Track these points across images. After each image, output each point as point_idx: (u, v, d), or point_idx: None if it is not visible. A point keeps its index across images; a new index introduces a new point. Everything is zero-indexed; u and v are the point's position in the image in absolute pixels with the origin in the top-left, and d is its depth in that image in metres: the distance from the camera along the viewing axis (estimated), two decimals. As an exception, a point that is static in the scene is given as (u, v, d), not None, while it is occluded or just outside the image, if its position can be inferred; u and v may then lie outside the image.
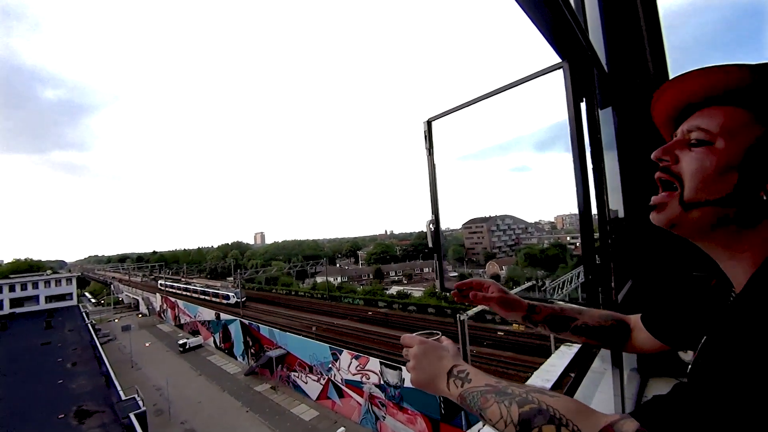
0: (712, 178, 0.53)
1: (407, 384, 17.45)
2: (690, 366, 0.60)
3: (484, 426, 1.13)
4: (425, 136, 1.67)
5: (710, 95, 0.56)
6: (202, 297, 46.24)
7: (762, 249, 0.51)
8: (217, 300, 43.16)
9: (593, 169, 1.29)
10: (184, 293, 50.16)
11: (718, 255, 0.57)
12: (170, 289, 54.44)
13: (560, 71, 1.34)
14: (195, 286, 51.75)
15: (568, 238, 55.94)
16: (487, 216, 66.10)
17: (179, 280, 63.47)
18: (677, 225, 0.57)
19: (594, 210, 1.29)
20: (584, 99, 1.27)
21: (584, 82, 1.27)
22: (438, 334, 0.75)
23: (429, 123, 1.66)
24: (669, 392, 0.43)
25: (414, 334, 0.76)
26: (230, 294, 42.77)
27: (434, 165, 1.69)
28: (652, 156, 0.62)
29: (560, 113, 1.34)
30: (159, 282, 60.91)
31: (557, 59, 1.36)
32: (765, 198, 0.50)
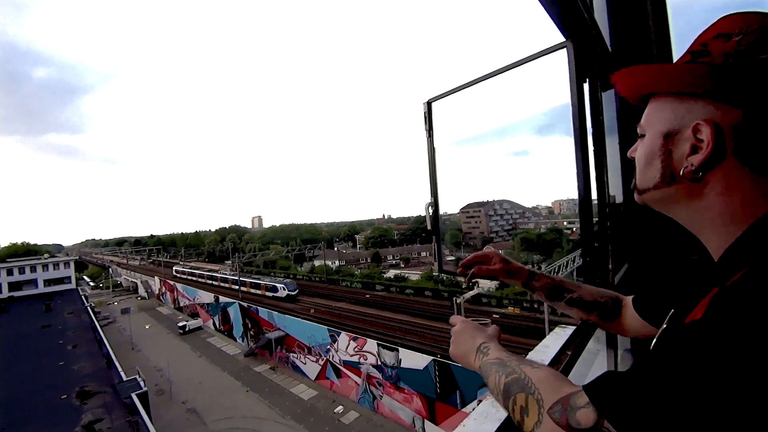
0: (644, 167, 0.58)
1: (404, 365, 17.84)
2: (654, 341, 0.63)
3: (479, 405, 1.16)
4: (425, 118, 1.64)
5: (651, 90, 0.58)
6: (233, 288, 38.54)
7: (717, 217, 0.52)
8: (258, 292, 34.88)
9: (594, 152, 1.28)
10: (208, 283, 42.99)
11: (691, 230, 0.58)
12: (189, 278, 47.18)
13: (563, 51, 1.30)
14: (223, 274, 43.37)
15: (565, 223, 56.20)
16: (485, 201, 66.15)
17: (199, 267, 54.87)
18: (646, 203, 0.62)
19: (594, 194, 1.28)
20: (587, 80, 1.25)
21: (588, 63, 1.25)
22: (488, 321, 0.82)
23: (429, 104, 1.63)
24: (624, 371, 0.42)
25: (463, 317, 0.84)
26: (278, 285, 33.79)
27: (434, 147, 1.67)
28: (628, 154, 0.67)
29: (561, 96, 1.32)
30: (174, 269, 52.54)
31: (560, 38, 1.32)
32: (690, 170, 0.51)
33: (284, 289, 33.22)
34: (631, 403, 0.38)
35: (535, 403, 0.50)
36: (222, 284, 40.56)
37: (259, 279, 38.18)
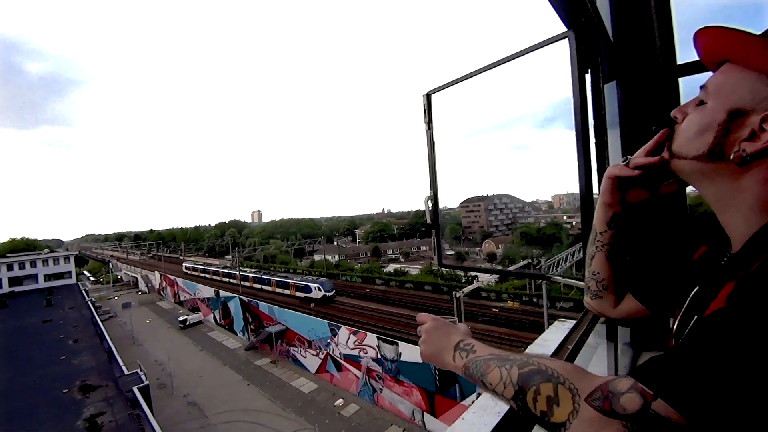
0: (692, 137, 0.57)
1: (404, 358, 17.95)
2: (677, 319, 0.65)
3: (478, 398, 1.16)
4: (424, 110, 1.62)
5: (735, 58, 0.55)
6: (255, 286, 35.27)
7: (750, 203, 0.52)
8: (286, 293, 31.47)
9: (596, 145, 1.27)
10: (224, 281, 39.32)
11: (713, 207, 0.59)
12: (202, 275, 43.69)
13: (565, 42, 1.28)
14: (243, 271, 38.87)
15: (565, 218, 56.32)
16: (485, 195, 66.15)
17: (211, 263, 50.46)
18: (672, 167, 0.62)
19: (595, 188, 1.27)
20: (589, 71, 1.23)
21: (590, 53, 1.23)
22: (455, 320, 0.80)
23: (428, 96, 1.61)
24: (664, 354, 0.44)
25: (429, 313, 0.81)
26: (312, 285, 29.67)
27: (433, 140, 1.65)
28: (671, 113, 0.63)
29: (562, 88, 1.30)
30: (185, 265, 48.79)
31: (562, 29, 1.30)
32: (741, 155, 0.51)
33: (319, 290, 28.84)
34: (685, 383, 0.39)
35: (567, 392, 0.48)
36: (242, 283, 36.33)
37: (287, 277, 34.24)
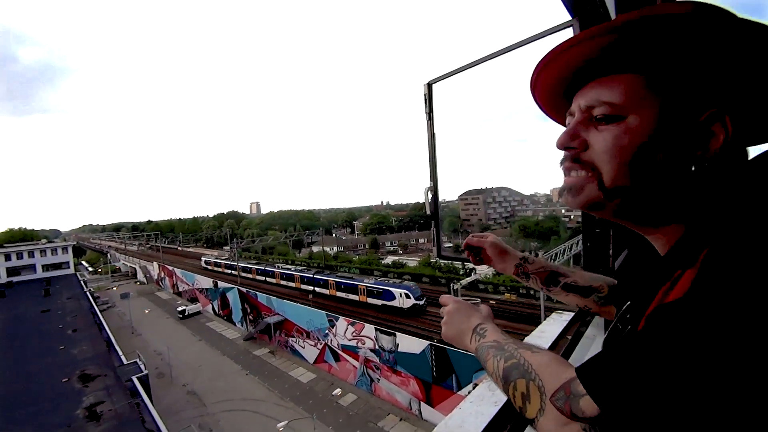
0: (634, 157, 0.45)
1: (401, 349, 18.11)
2: (614, 321, 0.63)
3: (474, 388, 1.16)
4: (425, 100, 1.60)
5: (593, 62, 0.49)
6: (304, 288, 29.14)
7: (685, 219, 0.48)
8: (355, 298, 25.29)
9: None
10: (258, 279, 34.00)
11: (643, 231, 0.53)
12: (225, 270, 37.33)
13: (569, 30, 1.26)
14: (283, 268, 33.38)
15: (563, 211, 56.39)
16: (484, 188, 66.17)
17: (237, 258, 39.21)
18: (595, 209, 0.51)
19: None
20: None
21: (594, 42, 1.20)
22: (478, 301, 0.80)
23: (429, 86, 1.59)
24: (610, 352, 0.42)
25: (452, 296, 0.81)
26: (395, 290, 22.90)
27: (434, 131, 1.63)
28: (557, 145, 0.53)
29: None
30: (203, 260, 43.27)
31: (566, 17, 1.28)
32: (697, 167, 0.45)
33: (407, 297, 22.22)
34: (628, 393, 0.36)
35: (536, 390, 0.48)
36: (282, 282, 31.54)
37: (352, 279, 27.13)
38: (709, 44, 0.42)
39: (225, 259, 40.26)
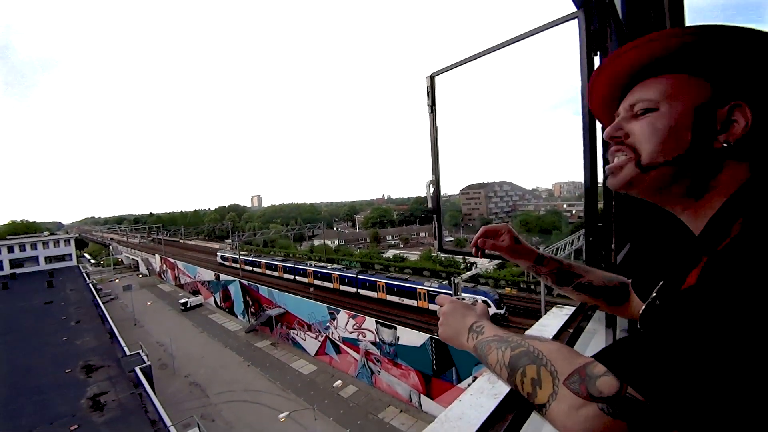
0: (666, 138, 0.55)
1: (401, 342, 18.23)
2: (643, 308, 0.68)
3: (474, 381, 1.17)
4: (428, 93, 1.58)
5: (645, 66, 0.59)
6: (344, 289, 26.25)
7: (719, 196, 0.54)
8: (414, 304, 22.24)
9: (602, 130, 1.24)
10: (295, 280, 30.10)
11: (675, 209, 0.61)
12: (245, 267, 33.99)
13: (574, 22, 1.24)
14: (319, 268, 29.55)
15: (565, 206, 56.31)
16: (485, 182, 65.98)
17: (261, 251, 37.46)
18: (634, 185, 0.60)
19: (600, 175, 1.25)
20: (598, 53, 1.20)
21: (599, 34, 1.19)
22: (474, 300, 0.81)
23: (432, 78, 1.57)
24: (630, 337, 0.46)
25: (449, 296, 0.83)
26: (480, 298, 13.29)
27: (436, 124, 1.62)
28: (604, 136, 0.64)
29: (567, 73, 1.26)
30: (219, 255, 40.11)
31: (571, 9, 1.26)
32: (720, 147, 0.53)
33: (486, 305, 20.45)
34: (651, 368, 0.39)
35: (548, 374, 0.49)
36: (316, 282, 28.35)
37: (407, 281, 23.30)
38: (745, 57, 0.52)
39: (245, 254, 36.81)
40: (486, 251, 0.99)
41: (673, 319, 0.40)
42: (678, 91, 0.56)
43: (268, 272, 32.21)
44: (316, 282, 28.81)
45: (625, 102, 0.62)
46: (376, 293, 24.30)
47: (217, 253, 41.72)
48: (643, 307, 0.69)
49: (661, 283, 0.66)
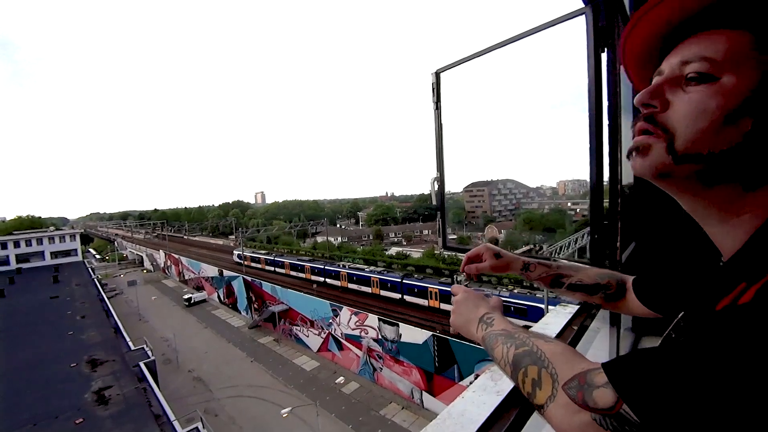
0: (718, 125, 0.40)
1: (404, 339, 18.26)
2: (668, 330, 0.57)
3: (476, 378, 1.17)
4: (433, 89, 1.57)
5: (695, 16, 0.44)
6: (396, 296, 23.07)
7: (765, 212, 0.41)
8: None
9: (609, 128, 1.23)
10: (335, 285, 26.66)
11: (707, 217, 0.47)
12: (266, 267, 32.34)
13: (582, 18, 1.23)
14: (356, 270, 26.55)
15: (569, 204, 56.00)
16: (489, 180, 65.77)
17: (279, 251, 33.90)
18: (666, 176, 0.46)
19: (606, 173, 1.24)
20: (606, 50, 1.18)
21: (607, 31, 1.18)
22: (489, 291, 0.80)
23: (437, 75, 1.56)
24: (643, 350, 0.38)
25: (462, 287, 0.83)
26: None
27: (441, 121, 1.61)
28: (635, 102, 0.48)
29: (574, 70, 1.25)
30: (236, 253, 37.12)
31: (579, 5, 1.25)
32: None
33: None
34: (658, 392, 0.33)
35: (548, 377, 0.48)
36: (355, 287, 25.22)
37: (476, 288, 12.38)
38: None
39: (265, 253, 33.92)
40: (474, 276, 1.00)
41: (710, 339, 0.32)
42: (745, 57, 0.40)
43: (293, 273, 29.87)
44: (351, 286, 25.81)
45: (675, 56, 0.46)
46: (427, 300, 21.37)
47: (234, 252, 39.21)
48: (678, 319, 0.56)
49: (681, 315, 0.56)
